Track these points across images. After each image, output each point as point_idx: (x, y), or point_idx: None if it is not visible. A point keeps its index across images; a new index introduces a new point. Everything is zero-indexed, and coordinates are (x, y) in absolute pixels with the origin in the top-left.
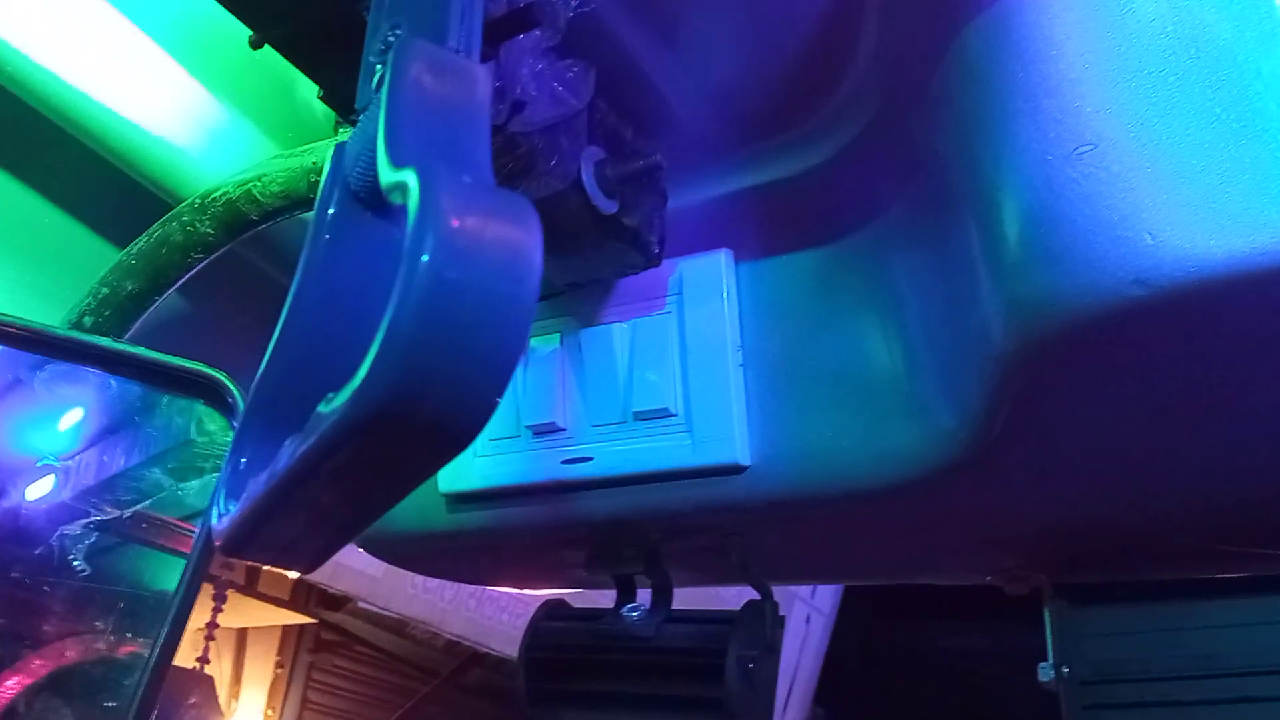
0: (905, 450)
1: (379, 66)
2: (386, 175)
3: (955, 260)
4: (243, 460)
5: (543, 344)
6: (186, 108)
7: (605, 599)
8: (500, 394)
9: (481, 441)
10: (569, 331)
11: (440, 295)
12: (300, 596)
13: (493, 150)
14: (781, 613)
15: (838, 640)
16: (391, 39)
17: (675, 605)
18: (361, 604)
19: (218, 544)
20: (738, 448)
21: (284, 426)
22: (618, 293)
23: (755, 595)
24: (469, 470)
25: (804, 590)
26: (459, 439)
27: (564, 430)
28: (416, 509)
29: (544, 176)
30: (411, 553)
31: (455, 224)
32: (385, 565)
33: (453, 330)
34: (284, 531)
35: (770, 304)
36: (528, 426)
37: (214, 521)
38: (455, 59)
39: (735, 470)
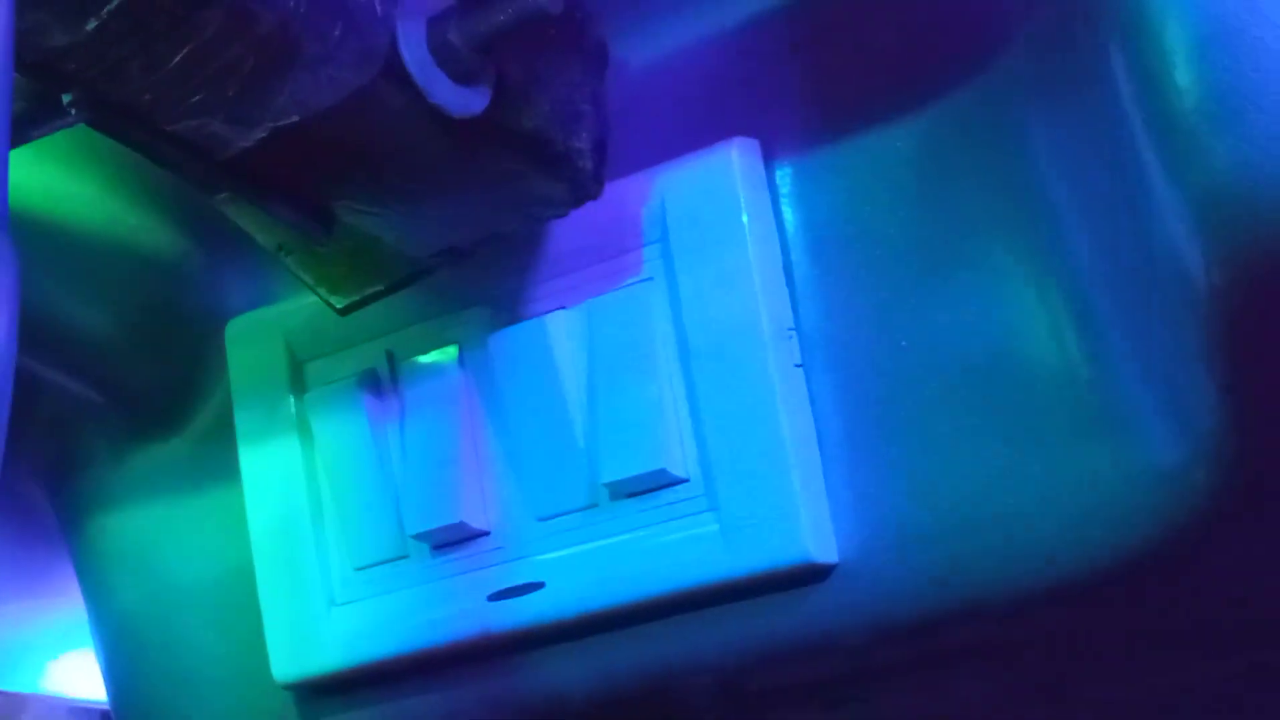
0: (1106, 503)
1: None
2: None
3: (1118, 134)
4: None
5: (431, 367)
6: None
7: None
8: None
9: (340, 576)
10: (472, 340)
11: None
12: None
13: (216, 38)
14: None
15: None
16: None
17: None
18: None
19: None
20: (809, 531)
21: None
22: (551, 253)
23: None
24: (322, 634)
25: None
26: None
27: (485, 535)
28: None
29: (322, 65)
30: None
31: None
32: None
33: None
34: None
35: (842, 235)
36: (417, 537)
37: None
38: None
39: (813, 574)
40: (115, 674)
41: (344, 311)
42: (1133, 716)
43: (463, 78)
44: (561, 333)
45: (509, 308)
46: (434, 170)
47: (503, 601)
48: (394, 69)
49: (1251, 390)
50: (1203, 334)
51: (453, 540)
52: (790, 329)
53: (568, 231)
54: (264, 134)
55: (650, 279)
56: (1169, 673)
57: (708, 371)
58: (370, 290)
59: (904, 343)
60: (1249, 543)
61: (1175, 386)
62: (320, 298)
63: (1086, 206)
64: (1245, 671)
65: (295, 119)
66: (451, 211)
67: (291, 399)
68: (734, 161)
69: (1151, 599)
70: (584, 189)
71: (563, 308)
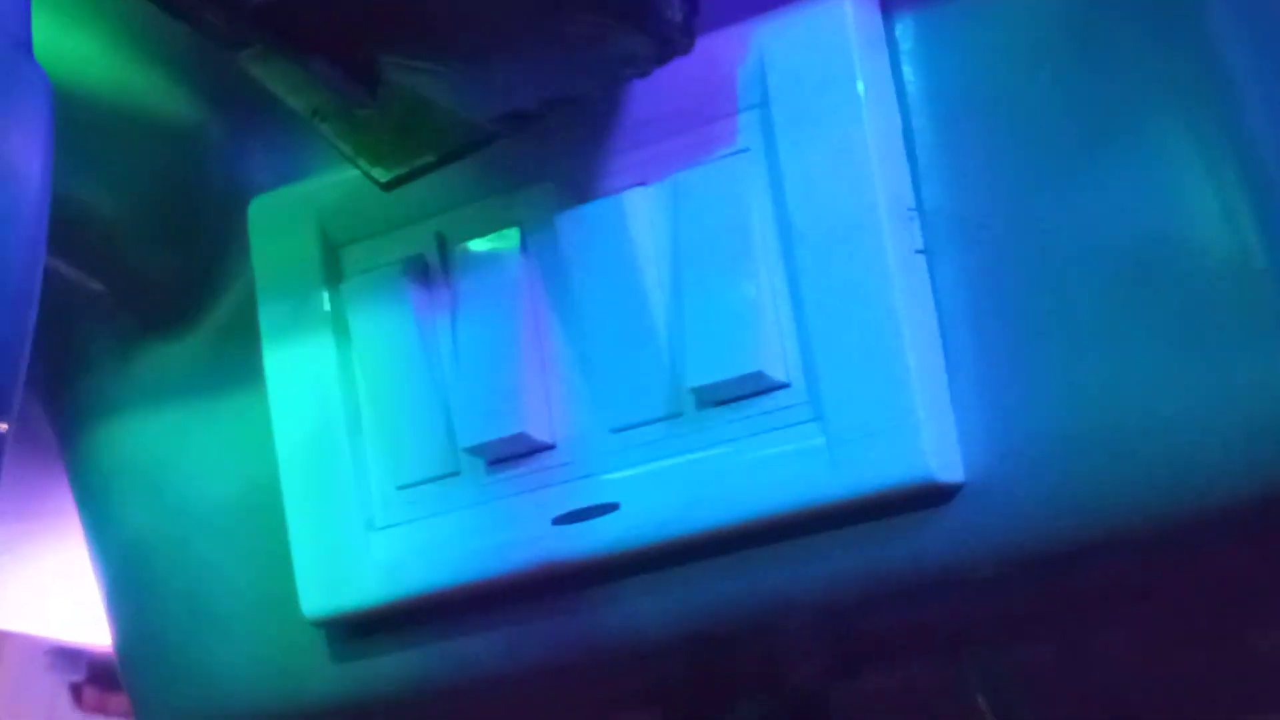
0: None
1: None
2: None
3: None
4: None
5: (488, 254)
6: None
7: None
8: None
9: (381, 496)
10: (536, 221)
11: None
12: None
13: None
14: None
15: None
16: None
17: None
18: None
19: None
20: (930, 445)
21: None
22: (630, 120)
23: None
24: (359, 563)
25: None
26: None
27: (551, 448)
28: (265, 663)
29: None
30: None
31: None
32: None
33: None
34: None
35: (974, 99)
36: (471, 450)
37: None
38: None
39: (935, 495)
40: (120, 609)
41: (388, 186)
42: None
43: None
44: (641, 212)
45: (580, 184)
46: (498, 20)
47: (570, 526)
48: None
49: None
50: None
51: (512, 454)
52: (911, 209)
53: (650, 94)
54: None
55: (746, 150)
56: None
57: (813, 258)
58: (419, 162)
59: (1046, 226)
60: None
61: None
62: (360, 170)
63: (1271, 70)
64: None
65: None
66: (517, 69)
67: (324, 289)
68: (847, 12)
69: None
70: (671, 43)
71: (643, 184)
